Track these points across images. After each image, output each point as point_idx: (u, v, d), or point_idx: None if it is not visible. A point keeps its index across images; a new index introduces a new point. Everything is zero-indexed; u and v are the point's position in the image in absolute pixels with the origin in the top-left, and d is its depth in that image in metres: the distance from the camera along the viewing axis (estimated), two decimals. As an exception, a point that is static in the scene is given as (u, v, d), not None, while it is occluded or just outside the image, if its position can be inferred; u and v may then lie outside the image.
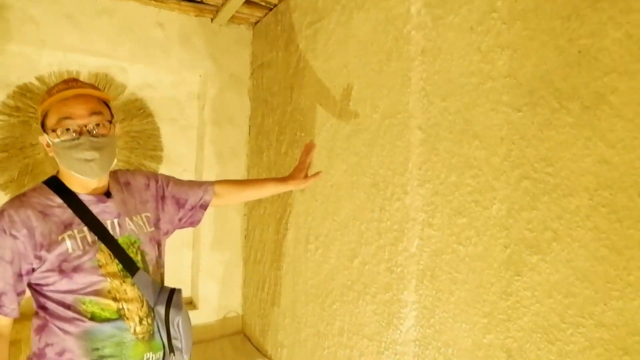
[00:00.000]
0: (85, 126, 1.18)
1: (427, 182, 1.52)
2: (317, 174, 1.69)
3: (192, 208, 1.52)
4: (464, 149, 1.38)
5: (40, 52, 2.77)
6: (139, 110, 2.99)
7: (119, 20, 2.82)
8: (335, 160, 2.07)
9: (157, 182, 1.47)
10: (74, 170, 1.21)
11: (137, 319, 1.23)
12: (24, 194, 1.23)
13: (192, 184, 1.55)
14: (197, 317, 3.01)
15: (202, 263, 3.05)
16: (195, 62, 3.06)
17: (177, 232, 3.05)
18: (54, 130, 1.17)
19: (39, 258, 1.16)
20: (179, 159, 3.14)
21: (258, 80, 3.10)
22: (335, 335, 2.01)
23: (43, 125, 1.21)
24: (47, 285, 1.18)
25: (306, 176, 1.68)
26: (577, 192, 1.06)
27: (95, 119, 1.20)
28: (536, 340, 1.14)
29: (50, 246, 1.16)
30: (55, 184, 1.25)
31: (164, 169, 3.05)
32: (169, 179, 1.51)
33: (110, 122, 1.25)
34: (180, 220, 1.52)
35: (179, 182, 1.53)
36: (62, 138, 1.17)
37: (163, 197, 1.46)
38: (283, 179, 1.69)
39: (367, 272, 1.81)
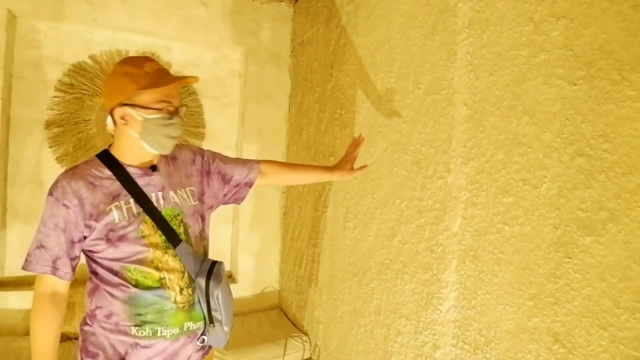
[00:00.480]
0: (177, 109, 1.27)
1: (471, 159, 1.47)
2: (363, 167, 1.66)
3: (237, 185, 1.53)
4: (512, 125, 1.32)
5: (92, 31, 2.85)
6: (183, 88, 3.04)
7: (165, -2, 2.86)
8: (375, 137, 2.04)
9: (202, 157, 1.49)
10: (155, 145, 1.26)
11: (177, 289, 1.26)
12: (76, 167, 1.28)
13: (238, 161, 1.57)
14: (236, 291, 3.07)
15: (241, 238, 3.10)
16: (237, 39, 3.06)
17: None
18: (152, 108, 1.22)
19: (89, 227, 1.21)
20: (220, 136, 3.18)
21: (298, 57, 3.08)
22: (372, 313, 2.01)
23: (127, 101, 1.23)
24: (96, 252, 1.24)
25: (352, 168, 1.65)
26: (637, 169, 1.00)
27: (182, 103, 1.31)
28: (586, 325, 1.09)
29: (98, 216, 1.21)
30: (106, 157, 1.31)
31: (205, 145, 3.09)
32: (215, 155, 1.53)
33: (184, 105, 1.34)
34: (225, 195, 1.53)
35: (225, 159, 1.54)
36: (157, 116, 1.23)
37: (208, 172, 1.48)
38: (328, 169, 1.67)
39: (406, 250, 1.78)
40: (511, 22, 1.35)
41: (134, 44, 2.94)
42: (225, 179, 1.51)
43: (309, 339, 2.67)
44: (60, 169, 2.80)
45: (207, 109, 3.12)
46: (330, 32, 2.59)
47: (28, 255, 1.24)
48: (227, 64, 3.19)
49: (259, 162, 1.59)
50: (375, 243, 2.00)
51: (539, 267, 1.22)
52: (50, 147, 2.81)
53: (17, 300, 2.65)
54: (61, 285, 1.25)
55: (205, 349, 1.39)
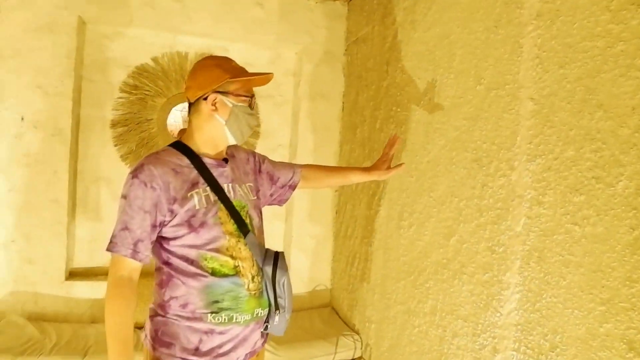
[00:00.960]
0: (253, 101, 1.40)
1: (538, 156, 1.41)
2: (400, 165, 1.69)
3: (283, 187, 1.61)
4: (585, 120, 1.25)
5: (154, 35, 2.98)
6: (243, 87, 3.12)
7: (221, 1, 2.93)
8: (432, 135, 2.00)
9: (254, 157, 1.58)
10: (237, 132, 1.37)
11: (250, 276, 1.32)
12: (157, 153, 1.34)
13: (283, 164, 1.65)
14: (288, 288, 3.12)
15: (294, 236, 3.13)
16: (292, 39, 3.10)
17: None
18: (240, 95, 1.35)
19: (171, 211, 1.25)
20: (274, 134, 3.23)
21: (353, 56, 3.07)
22: (427, 314, 1.97)
23: (219, 89, 1.33)
24: (175, 239, 1.27)
25: (389, 167, 1.69)
26: None
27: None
28: (666, 333, 1.02)
29: (182, 200, 1.26)
30: (183, 147, 1.36)
31: (260, 143, 3.16)
32: (264, 157, 1.62)
33: None
34: (271, 195, 1.61)
35: (272, 162, 1.63)
36: (245, 104, 1.36)
37: (260, 172, 1.57)
38: (366, 169, 1.72)
39: (464, 250, 1.73)
40: (584, 12, 1.28)
41: (193, 46, 3.04)
42: (272, 180, 1.59)
43: (361, 338, 2.65)
44: (124, 167, 2.95)
45: (262, 107, 3.18)
46: (386, 29, 2.56)
47: (113, 236, 1.25)
48: (282, 63, 3.23)
49: (301, 166, 1.68)
50: (431, 242, 1.96)
51: (613, 270, 1.15)
52: (115, 145, 2.95)
53: (85, 290, 2.80)
54: (137, 268, 1.28)
55: (265, 337, 1.45)
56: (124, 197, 1.26)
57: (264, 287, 1.36)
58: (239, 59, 3.05)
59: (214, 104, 1.33)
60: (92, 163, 2.93)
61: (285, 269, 1.36)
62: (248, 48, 3.14)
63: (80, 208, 2.93)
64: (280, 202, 1.66)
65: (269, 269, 1.34)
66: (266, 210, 3.23)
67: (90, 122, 2.92)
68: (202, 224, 1.27)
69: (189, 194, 1.28)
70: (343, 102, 3.20)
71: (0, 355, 2.16)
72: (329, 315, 3.02)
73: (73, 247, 2.91)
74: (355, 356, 2.62)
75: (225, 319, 1.28)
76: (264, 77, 1.41)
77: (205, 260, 1.27)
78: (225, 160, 1.41)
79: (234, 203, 1.35)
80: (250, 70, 3.10)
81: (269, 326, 1.38)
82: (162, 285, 1.31)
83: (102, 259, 2.97)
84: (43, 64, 2.68)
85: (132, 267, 1.26)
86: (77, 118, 2.86)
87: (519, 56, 1.53)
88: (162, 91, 2.99)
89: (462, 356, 1.73)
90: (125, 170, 2.95)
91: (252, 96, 1.39)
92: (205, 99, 1.33)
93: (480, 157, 1.68)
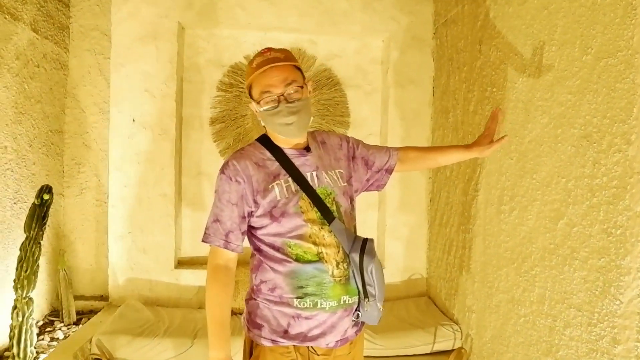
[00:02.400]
0: (282, 94, 1.30)
1: (661, 127, 1.27)
2: (502, 138, 1.56)
3: (379, 171, 1.56)
4: None
5: (246, 34, 3.13)
6: (328, 79, 3.16)
7: (308, -5, 3.00)
8: (533, 113, 1.88)
9: (348, 143, 1.54)
10: (278, 133, 1.36)
11: (334, 263, 1.31)
12: (242, 148, 1.41)
13: (378, 148, 1.60)
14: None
15: (388, 224, 3.12)
16: (378, 27, 3.08)
17: (362, 193, 3.21)
18: (258, 102, 1.32)
19: (256, 202, 1.32)
20: (364, 123, 3.24)
21: (442, 38, 2.98)
22: (534, 302, 1.86)
23: (251, 95, 1.39)
24: (261, 228, 1.34)
25: (491, 142, 1.58)
26: None
27: (289, 87, 1.31)
28: None
29: (264, 192, 1.31)
30: (266, 141, 1.41)
31: (351, 133, 3.18)
32: (358, 142, 1.57)
33: (302, 86, 1.34)
34: (367, 180, 1.56)
35: (366, 145, 1.58)
36: (265, 107, 1.31)
37: (354, 157, 1.52)
38: (466, 146, 1.62)
39: (575, 234, 1.61)
40: None
41: (282, 42, 3.14)
42: (368, 165, 1.54)
43: (460, 328, 2.58)
44: (222, 161, 3.13)
45: (351, 97, 3.20)
46: (477, 6, 2.45)
47: (206, 228, 1.36)
48: (368, 52, 3.22)
49: (397, 149, 1.61)
50: (536, 227, 1.85)
51: None
52: (215, 141, 3.15)
53: (191, 278, 3.03)
54: (232, 258, 1.36)
55: (359, 326, 1.42)
56: (215, 192, 1.36)
57: (351, 274, 1.33)
58: (326, 50, 3.15)
59: (255, 111, 1.39)
60: (194, 159, 3.16)
61: (373, 255, 1.32)
62: (334, 40, 3.18)
63: (184, 201, 3.16)
64: (379, 187, 1.61)
65: (355, 256, 1.30)
66: (358, 199, 3.25)
67: (191, 120, 3.14)
68: (283, 214, 1.30)
69: (270, 186, 1.32)
70: (433, 87, 3.11)
71: (122, 335, 2.41)
72: (425, 304, 2.97)
73: (180, 237, 3.15)
74: (455, 346, 2.55)
75: (310, 304, 1.30)
76: (279, 66, 1.31)
77: (290, 247, 1.30)
78: (307, 149, 1.41)
79: (318, 191, 1.34)
80: (337, 61, 3.11)
81: (360, 314, 1.36)
82: (253, 270, 1.39)
83: (205, 248, 3.17)
84: (149, 69, 2.93)
85: (227, 256, 1.35)
86: (180, 117, 3.09)
87: (632, 19, 1.38)
88: (256, 88, 3.13)
89: (575, 347, 1.61)
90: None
91: (270, 91, 1.29)
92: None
93: (590, 132, 1.55)
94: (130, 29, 2.92)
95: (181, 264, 3.11)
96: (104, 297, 3.11)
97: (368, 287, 1.32)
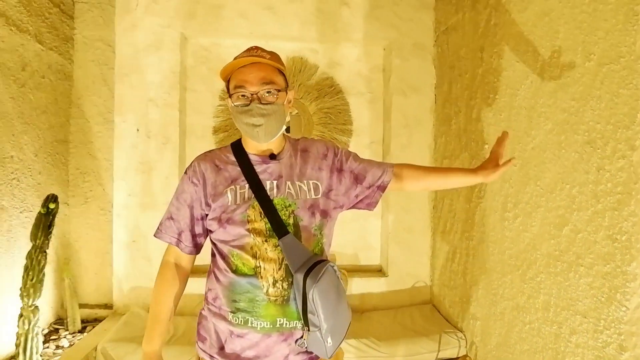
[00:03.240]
0: (256, 93, 1.22)
1: (664, 133, 1.27)
2: (508, 161, 1.41)
3: (370, 187, 1.42)
4: None
5: (248, 43, 3.12)
6: (330, 87, 3.18)
7: (309, 4, 3.02)
8: (536, 120, 1.88)
9: (336, 154, 1.42)
10: (245, 134, 1.30)
11: (271, 280, 1.21)
12: (211, 150, 1.38)
13: (372, 162, 1.46)
14: (387, 285, 3.11)
15: (391, 232, 3.12)
16: (379, 34, 3.10)
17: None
18: (231, 96, 1.25)
19: (209, 206, 1.28)
20: (367, 131, 3.25)
21: (443, 46, 2.99)
22: (539, 309, 1.85)
23: (228, 90, 1.29)
24: (212, 232, 1.29)
25: (497, 165, 1.42)
26: None
27: (265, 87, 1.22)
28: None
29: (215, 197, 1.27)
30: (236, 145, 1.35)
31: (353, 141, 3.19)
32: (349, 154, 1.44)
33: (281, 90, 1.26)
34: (356, 197, 1.42)
35: (358, 159, 1.45)
36: (236, 103, 1.23)
37: (340, 170, 1.40)
38: (472, 170, 1.46)
39: (580, 240, 1.61)
40: None
41: (284, 50, 3.16)
42: (357, 179, 1.41)
43: (465, 335, 2.57)
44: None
45: (353, 105, 3.22)
46: (478, 14, 2.47)
47: (160, 224, 1.33)
48: (370, 59, 3.24)
49: (393, 165, 1.46)
50: (540, 233, 1.85)
51: None
52: (218, 150, 3.15)
53: (195, 286, 2.97)
54: (183, 258, 1.33)
55: (311, 355, 1.29)
56: (176, 189, 1.35)
57: (292, 296, 1.22)
58: (327, 59, 3.17)
59: (229, 107, 1.30)
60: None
61: (318, 279, 1.16)
62: (336, 48, 3.20)
63: (190, 210, 3.16)
64: (369, 206, 1.45)
65: (300, 277, 1.17)
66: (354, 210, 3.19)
67: (195, 129, 3.16)
68: (229, 220, 1.24)
69: (224, 190, 1.27)
70: (435, 94, 3.12)
71: (127, 343, 2.41)
72: (429, 312, 2.96)
73: (184, 246, 3.14)
74: (460, 354, 2.54)
75: (241, 321, 1.22)
76: (263, 64, 1.23)
77: (232, 257, 1.24)
78: (272, 157, 1.31)
79: (275, 201, 1.25)
80: (339, 70, 3.11)
81: (304, 343, 1.23)
82: (207, 276, 1.34)
83: (207, 258, 3.18)
84: (153, 79, 2.95)
85: (177, 254, 1.33)
86: (184, 126, 3.11)
87: (634, 25, 1.39)
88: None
89: (582, 355, 1.60)
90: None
91: (244, 87, 1.22)
92: None
93: (594, 138, 1.55)
94: (134, 40, 2.94)
95: (185, 272, 3.10)
96: (108, 306, 3.11)
97: (310, 315, 1.18)
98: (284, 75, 1.31)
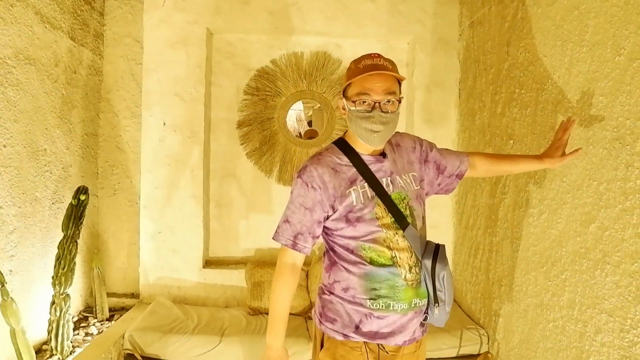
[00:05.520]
0: (379, 102, 1.30)
1: (697, 130, 1.25)
2: (576, 151, 1.56)
3: (450, 176, 1.56)
4: None
5: (273, 38, 3.17)
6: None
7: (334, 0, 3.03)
8: (564, 116, 1.86)
9: (421, 146, 1.54)
10: (360, 137, 1.37)
11: (407, 267, 1.35)
12: (320, 153, 1.44)
13: (450, 152, 1.60)
14: (409, 280, 3.11)
15: (413, 227, 3.11)
16: (404, 29, 3.08)
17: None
18: (352, 101, 1.33)
19: (332, 207, 1.36)
20: (389, 126, 3.24)
21: (468, 40, 2.96)
22: (564, 307, 1.83)
23: (344, 92, 1.38)
24: (336, 230, 1.38)
25: (563, 154, 1.57)
26: None
27: (388, 97, 1.31)
28: None
29: (340, 198, 1.35)
30: (343, 145, 1.43)
31: (376, 136, 3.19)
32: (432, 145, 1.58)
33: (399, 100, 1.35)
34: (439, 185, 1.58)
35: (439, 150, 1.58)
36: (358, 108, 1.32)
37: (426, 161, 1.53)
38: (538, 157, 1.61)
39: (607, 238, 1.59)
40: None
41: (308, 45, 3.18)
42: (439, 169, 1.55)
43: (487, 332, 2.55)
44: (249, 163, 3.18)
45: (376, 100, 3.21)
46: (504, 7, 2.43)
47: (277, 227, 1.42)
48: (394, 54, 3.23)
49: (468, 154, 1.61)
50: (566, 230, 1.83)
51: None
52: (242, 144, 3.21)
53: (218, 278, 3.08)
54: (299, 257, 1.42)
55: (425, 327, 1.47)
56: (291, 193, 1.41)
57: (423, 279, 1.37)
58: (351, 53, 3.17)
59: (343, 108, 1.40)
60: (221, 161, 3.22)
61: (446, 263, 1.35)
62: (360, 43, 3.20)
63: (212, 203, 3.23)
64: (447, 191, 1.62)
65: (428, 262, 1.35)
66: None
67: (219, 123, 3.20)
68: (359, 219, 1.34)
69: (347, 191, 1.35)
70: (459, 89, 3.09)
71: (153, 331, 2.48)
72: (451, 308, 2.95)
73: (208, 238, 3.21)
74: (481, 351, 2.53)
75: (382, 306, 1.34)
76: (388, 75, 1.31)
77: (364, 250, 1.35)
78: (383, 155, 1.42)
79: (393, 196, 1.37)
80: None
81: (428, 317, 1.41)
82: (327, 268, 1.44)
83: (233, 250, 3.24)
84: (180, 74, 3.01)
85: (294, 255, 1.41)
86: (209, 120, 3.16)
87: (668, 19, 1.36)
88: (281, 91, 3.17)
89: (607, 354, 1.58)
90: (250, 167, 3.19)
91: (368, 94, 1.29)
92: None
93: (623, 135, 1.53)
94: (161, 36, 3.00)
95: (209, 264, 3.17)
96: (135, 295, 3.19)
97: (438, 293, 1.35)
98: (400, 84, 1.39)
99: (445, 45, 3.09)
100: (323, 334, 1.43)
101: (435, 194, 1.60)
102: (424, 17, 3.06)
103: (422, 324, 1.43)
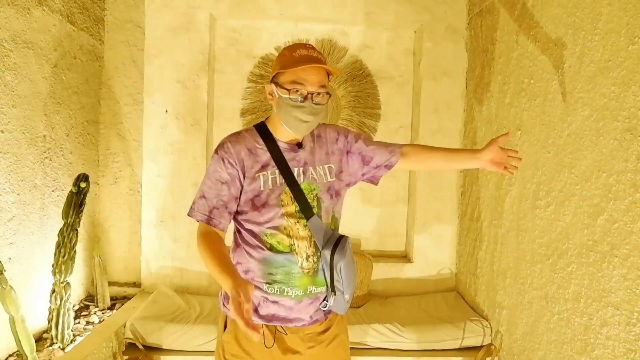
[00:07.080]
0: (312, 94, 1.35)
1: None
2: (503, 135, 1.53)
3: (377, 167, 1.58)
4: None
5: (278, 25, 3.12)
6: (359, 70, 3.14)
7: (341, -16, 2.97)
8: (574, 105, 1.82)
9: (346, 137, 1.57)
10: (287, 125, 1.39)
11: (304, 255, 1.40)
12: (239, 132, 1.47)
13: (380, 144, 1.60)
14: (411, 271, 3.10)
15: (417, 218, 3.09)
16: (411, 17, 3.03)
17: (392, 186, 3.15)
18: (287, 89, 1.34)
19: (242, 187, 1.39)
20: (396, 116, 3.21)
21: (476, 29, 2.91)
22: (569, 300, 1.81)
23: (274, 77, 1.40)
24: (241, 213, 1.41)
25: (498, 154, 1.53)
26: None
27: (320, 90, 1.36)
28: None
29: (249, 179, 1.39)
30: (264, 131, 1.45)
31: (381, 126, 3.16)
32: (359, 136, 1.59)
33: (329, 94, 1.40)
34: (363, 175, 1.60)
35: (368, 141, 1.59)
36: (291, 96, 1.34)
37: (349, 152, 1.56)
38: (474, 153, 1.57)
39: (615, 231, 1.56)
40: None
41: (314, 32, 3.13)
42: (365, 160, 1.56)
43: (490, 324, 2.54)
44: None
45: (382, 89, 3.17)
46: (514, -5, 2.38)
47: (193, 203, 1.40)
48: (401, 43, 3.18)
49: (401, 146, 1.61)
50: (573, 222, 1.80)
51: None
52: (245, 132, 3.16)
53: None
54: (217, 232, 1.37)
55: (325, 312, 1.51)
56: (207, 170, 1.42)
57: (321, 268, 1.42)
58: (358, 42, 3.12)
59: (270, 94, 1.42)
60: (225, 151, 3.18)
61: (344, 253, 1.39)
62: (366, 30, 3.14)
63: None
64: (373, 181, 1.62)
65: (327, 252, 1.38)
66: (387, 192, 3.22)
67: (222, 111, 3.16)
68: (264, 204, 1.38)
69: (257, 175, 1.39)
70: (466, 79, 3.05)
71: (155, 320, 2.46)
72: (454, 299, 2.94)
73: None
74: (485, 342, 2.52)
75: (277, 291, 1.40)
76: (322, 68, 1.35)
77: (265, 236, 1.39)
78: (299, 145, 1.45)
79: (302, 186, 1.40)
80: (368, 53, 3.09)
81: (327, 304, 1.46)
82: (232, 250, 1.47)
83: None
84: (182, 60, 2.96)
85: (212, 230, 1.37)
86: (212, 108, 3.12)
87: (685, 6, 1.32)
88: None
89: (612, 347, 1.56)
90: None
91: (303, 85, 1.32)
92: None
93: (634, 125, 1.49)
94: (163, 21, 2.95)
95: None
96: (136, 284, 3.18)
97: (336, 283, 1.41)
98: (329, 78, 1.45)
99: (452, 34, 3.04)
100: (226, 316, 1.47)
101: (361, 181, 1.62)
102: (432, 5, 3.01)
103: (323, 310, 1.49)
